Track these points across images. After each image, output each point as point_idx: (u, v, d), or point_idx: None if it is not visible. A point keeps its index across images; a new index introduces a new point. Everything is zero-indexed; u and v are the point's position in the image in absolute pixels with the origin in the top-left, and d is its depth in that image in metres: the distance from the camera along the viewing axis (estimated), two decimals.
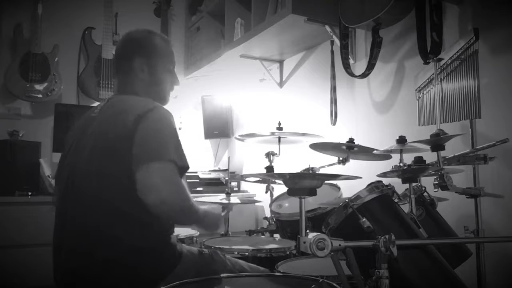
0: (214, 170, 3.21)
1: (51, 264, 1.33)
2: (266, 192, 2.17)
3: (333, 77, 2.31)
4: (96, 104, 2.19)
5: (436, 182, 1.32)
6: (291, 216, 1.97)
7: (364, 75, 2.05)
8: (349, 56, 2.17)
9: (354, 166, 1.78)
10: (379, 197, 1.10)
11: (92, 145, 1.33)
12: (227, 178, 2.07)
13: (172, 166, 1.25)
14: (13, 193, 2.53)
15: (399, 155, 1.45)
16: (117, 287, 1.24)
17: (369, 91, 2.24)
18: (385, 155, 1.58)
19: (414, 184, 1.28)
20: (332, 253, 0.91)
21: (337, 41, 2.23)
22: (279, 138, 2.03)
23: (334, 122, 2.30)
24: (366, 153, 1.70)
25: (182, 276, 1.19)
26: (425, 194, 1.44)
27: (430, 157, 1.34)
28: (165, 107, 1.51)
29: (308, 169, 1.92)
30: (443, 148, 1.34)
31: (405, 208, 1.22)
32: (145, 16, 3.40)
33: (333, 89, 2.31)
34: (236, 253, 1.61)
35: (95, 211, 1.27)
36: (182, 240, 1.78)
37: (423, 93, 1.68)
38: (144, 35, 1.54)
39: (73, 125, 1.52)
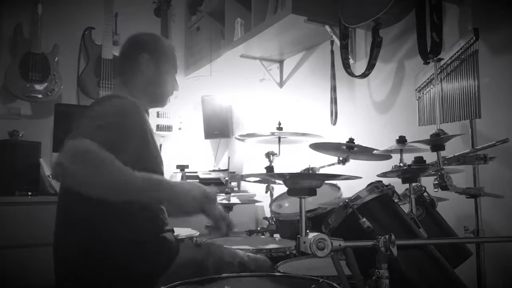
0: (214, 170, 3.21)
1: (51, 264, 1.33)
2: (266, 192, 2.16)
3: (333, 77, 2.32)
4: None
5: (436, 182, 1.32)
6: (291, 216, 1.97)
7: (364, 75, 2.05)
8: (349, 56, 2.17)
9: (354, 166, 1.78)
10: (379, 197, 1.10)
11: None
12: (227, 178, 2.08)
13: (84, 139, 1.10)
14: (13, 193, 2.52)
15: (399, 155, 1.45)
16: (115, 284, 1.25)
17: (369, 91, 2.24)
18: (385, 155, 1.58)
19: (414, 184, 1.28)
20: (332, 253, 0.91)
21: (337, 41, 2.23)
22: (279, 138, 2.03)
23: (334, 122, 2.31)
24: (366, 153, 1.69)
25: (180, 272, 1.19)
26: (425, 194, 1.44)
27: (430, 157, 1.34)
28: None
29: (308, 169, 1.92)
30: (443, 148, 1.34)
31: (405, 208, 1.22)
32: (145, 16, 3.41)
33: (333, 89, 2.32)
34: None
35: (88, 208, 1.26)
36: (182, 240, 1.78)
37: (423, 93, 1.68)
38: (153, 36, 1.59)
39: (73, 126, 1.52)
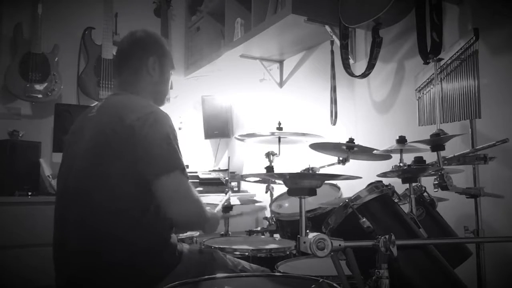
0: (214, 170, 3.21)
1: (51, 264, 1.33)
2: (266, 192, 2.17)
3: (333, 77, 2.31)
4: (95, 104, 2.18)
5: (436, 182, 1.32)
6: (291, 216, 1.97)
7: (364, 75, 2.05)
8: (349, 56, 2.17)
9: (354, 166, 1.78)
10: (379, 197, 1.10)
11: (89, 146, 1.32)
12: (227, 178, 2.08)
13: (184, 176, 1.30)
14: (13, 193, 2.52)
15: (399, 155, 1.45)
16: (117, 287, 1.24)
17: (369, 91, 2.24)
18: (385, 155, 1.58)
19: (414, 184, 1.28)
20: (332, 253, 0.91)
21: (337, 41, 2.23)
22: (279, 138, 2.03)
23: (334, 122, 2.30)
24: (366, 153, 1.69)
25: (182, 276, 1.19)
26: (425, 194, 1.44)
27: (430, 157, 1.34)
28: (164, 106, 1.52)
29: (308, 169, 1.92)
30: (443, 148, 1.34)
31: (405, 208, 1.22)
32: (145, 16, 3.41)
33: (333, 89, 2.31)
34: (236, 253, 1.61)
35: (94, 212, 1.27)
36: (182, 240, 1.78)
37: (423, 93, 1.68)
38: (157, 36, 1.58)
39: (72, 126, 1.51)
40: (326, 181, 1.85)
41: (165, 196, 1.26)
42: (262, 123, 3.08)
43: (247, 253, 1.61)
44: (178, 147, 1.33)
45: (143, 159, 1.25)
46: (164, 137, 1.30)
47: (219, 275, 1.20)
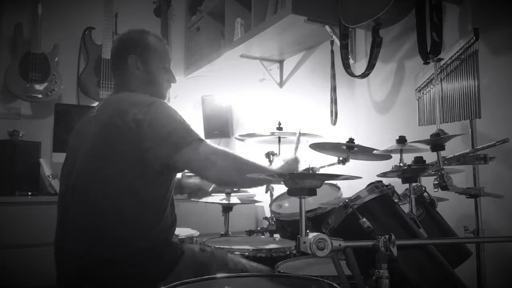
0: None
1: (52, 264, 1.33)
2: (266, 192, 2.16)
3: (333, 77, 2.31)
4: (95, 104, 2.18)
5: (436, 182, 1.32)
6: (291, 216, 1.97)
7: (364, 75, 2.05)
8: (349, 56, 2.17)
9: (354, 166, 1.78)
10: (379, 197, 1.10)
11: (91, 145, 1.33)
12: None
13: (204, 142, 1.34)
14: (13, 193, 2.52)
15: (399, 155, 1.45)
16: (118, 287, 1.24)
17: (369, 91, 2.24)
18: (385, 155, 1.58)
19: (414, 184, 1.27)
20: (332, 253, 0.91)
21: (337, 41, 2.23)
22: (279, 138, 2.03)
23: (334, 122, 2.30)
24: (366, 153, 1.69)
25: (183, 275, 1.19)
26: (425, 194, 1.44)
27: (430, 157, 1.34)
28: None
29: (308, 169, 1.92)
30: (443, 148, 1.34)
31: (405, 208, 1.22)
32: (145, 16, 3.40)
33: (333, 89, 2.31)
34: (236, 253, 1.60)
35: (95, 211, 1.27)
36: (182, 240, 1.78)
37: (423, 93, 1.68)
38: (137, 34, 1.56)
39: (75, 127, 1.52)
40: (326, 181, 1.84)
41: (194, 165, 1.31)
42: (262, 123, 3.08)
43: (247, 253, 1.60)
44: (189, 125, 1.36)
45: (153, 145, 1.26)
46: (170, 118, 1.32)
47: (219, 275, 1.20)
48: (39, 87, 2.89)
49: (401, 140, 1.41)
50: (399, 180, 1.25)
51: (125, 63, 1.50)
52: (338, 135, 2.22)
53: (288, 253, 1.65)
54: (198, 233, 1.93)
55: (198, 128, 3.42)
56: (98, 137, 1.33)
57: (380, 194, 1.10)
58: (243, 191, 3.13)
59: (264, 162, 1.53)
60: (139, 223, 1.28)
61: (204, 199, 1.95)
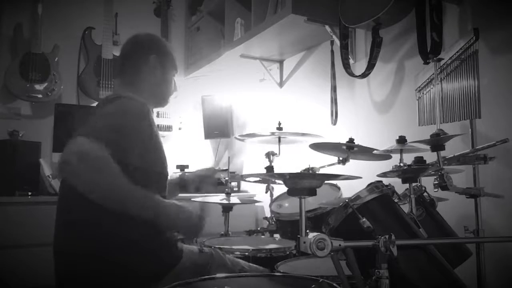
0: None
1: (51, 264, 1.33)
2: (266, 192, 2.16)
3: (333, 77, 2.31)
4: (95, 104, 2.17)
5: (436, 182, 1.32)
6: (291, 216, 1.97)
7: (364, 75, 2.05)
8: (349, 56, 2.17)
9: (354, 166, 1.78)
10: (379, 197, 1.10)
11: None
12: (227, 178, 2.07)
13: (100, 146, 1.11)
14: (13, 193, 2.52)
15: (399, 155, 1.45)
16: (117, 286, 1.24)
17: (369, 91, 2.24)
18: (385, 155, 1.58)
19: (414, 184, 1.28)
20: (332, 253, 0.91)
21: (337, 41, 2.23)
22: (279, 138, 2.03)
23: (334, 122, 2.30)
24: (366, 153, 1.69)
25: (181, 275, 1.19)
26: (425, 194, 1.44)
27: (430, 157, 1.34)
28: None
29: (308, 169, 1.92)
30: (443, 148, 1.34)
31: (405, 208, 1.22)
32: (145, 16, 3.41)
33: (333, 89, 2.31)
34: (236, 253, 1.61)
35: (95, 211, 1.27)
36: (182, 240, 1.78)
37: (423, 93, 1.68)
38: (157, 37, 1.65)
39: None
40: (326, 181, 1.84)
41: (69, 155, 1.11)
42: (262, 123, 3.08)
43: (247, 253, 1.61)
44: (129, 135, 1.25)
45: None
46: (110, 114, 1.29)
47: (219, 275, 1.20)
48: (39, 87, 2.89)
49: (401, 140, 1.41)
50: (399, 180, 1.25)
51: (145, 62, 1.52)
52: (338, 135, 2.22)
53: (288, 253, 1.65)
54: None
55: (198, 128, 3.47)
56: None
57: (380, 194, 1.10)
58: (243, 191, 3.14)
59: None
60: (137, 223, 1.28)
61: (204, 199, 1.95)
